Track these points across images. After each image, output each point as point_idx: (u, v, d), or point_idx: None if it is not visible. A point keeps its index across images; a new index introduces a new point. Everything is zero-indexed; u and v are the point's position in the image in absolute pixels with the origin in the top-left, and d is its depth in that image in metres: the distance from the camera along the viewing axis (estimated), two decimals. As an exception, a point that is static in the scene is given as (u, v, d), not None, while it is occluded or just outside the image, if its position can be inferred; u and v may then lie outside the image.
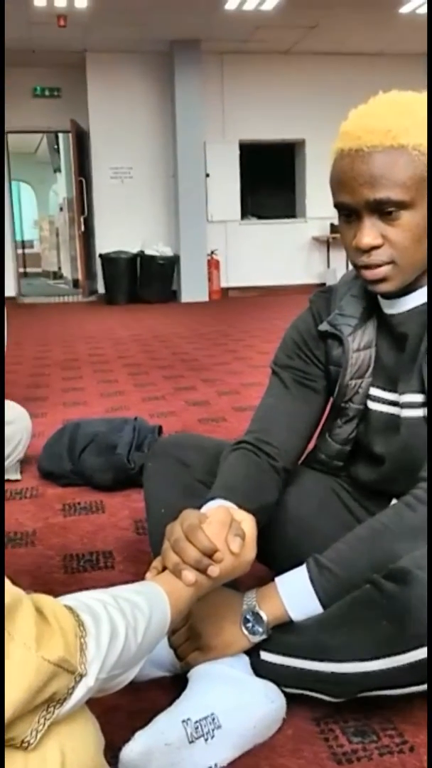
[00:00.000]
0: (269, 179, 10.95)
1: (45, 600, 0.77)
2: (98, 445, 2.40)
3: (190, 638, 1.17)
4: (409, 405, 1.22)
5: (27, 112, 9.97)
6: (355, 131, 1.08)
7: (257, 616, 1.13)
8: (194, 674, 1.15)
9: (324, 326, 1.31)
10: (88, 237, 10.29)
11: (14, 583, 0.74)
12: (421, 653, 0.99)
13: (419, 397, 1.20)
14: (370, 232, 1.10)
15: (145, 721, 1.05)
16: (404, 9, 8.24)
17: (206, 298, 9.82)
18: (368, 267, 1.13)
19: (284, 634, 1.13)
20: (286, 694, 1.15)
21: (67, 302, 10.68)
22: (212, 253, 10.00)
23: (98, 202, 10.05)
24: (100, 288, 10.13)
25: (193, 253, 9.72)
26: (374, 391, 1.29)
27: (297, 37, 9.17)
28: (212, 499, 1.19)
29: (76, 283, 12.38)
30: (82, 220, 10.23)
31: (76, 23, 8.13)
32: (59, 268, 16.62)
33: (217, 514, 1.09)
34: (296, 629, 1.12)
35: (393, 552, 1.06)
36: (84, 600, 0.82)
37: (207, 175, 9.80)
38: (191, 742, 1.03)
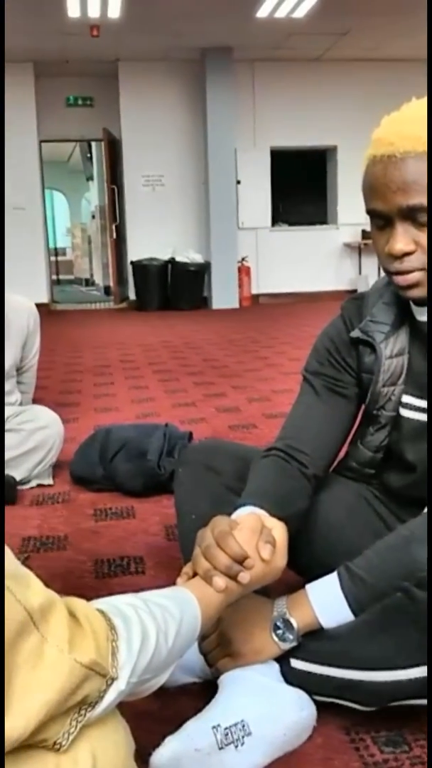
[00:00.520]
0: (300, 186, 10.93)
1: (78, 603, 0.77)
2: (129, 452, 2.41)
3: (220, 644, 1.17)
4: (441, 412, 1.21)
5: (60, 121, 10.09)
6: (388, 137, 1.08)
7: (288, 623, 1.13)
8: (224, 681, 1.15)
9: (356, 333, 1.30)
10: (119, 244, 10.37)
11: (47, 586, 0.74)
12: (454, 663, 0.99)
13: (452, 405, 1.19)
14: (402, 239, 1.09)
15: (175, 727, 1.06)
16: (437, 14, 8.19)
17: (237, 305, 9.82)
18: (400, 273, 1.12)
19: (315, 641, 1.13)
20: (316, 702, 1.15)
21: (99, 309, 10.75)
22: (243, 259, 10.00)
23: (130, 210, 10.12)
24: (132, 295, 10.19)
25: (223, 260, 9.73)
26: (406, 399, 1.28)
27: (328, 44, 9.15)
28: (243, 505, 1.19)
29: (107, 290, 12.47)
30: (114, 227, 10.30)
31: (108, 33, 8.20)
32: (91, 275, 16.79)
33: (248, 521, 1.09)
34: (327, 637, 1.12)
35: (423, 560, 1.05)
36: (116, 604, 0.83)
37: (238, 182, 9.81)
38: (221, 748, 1.03)
